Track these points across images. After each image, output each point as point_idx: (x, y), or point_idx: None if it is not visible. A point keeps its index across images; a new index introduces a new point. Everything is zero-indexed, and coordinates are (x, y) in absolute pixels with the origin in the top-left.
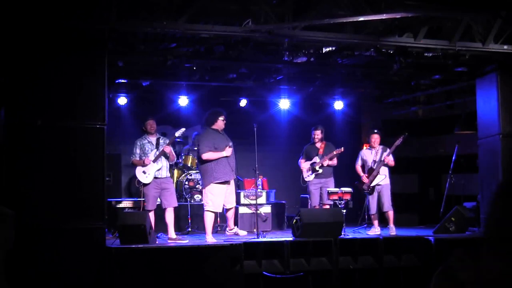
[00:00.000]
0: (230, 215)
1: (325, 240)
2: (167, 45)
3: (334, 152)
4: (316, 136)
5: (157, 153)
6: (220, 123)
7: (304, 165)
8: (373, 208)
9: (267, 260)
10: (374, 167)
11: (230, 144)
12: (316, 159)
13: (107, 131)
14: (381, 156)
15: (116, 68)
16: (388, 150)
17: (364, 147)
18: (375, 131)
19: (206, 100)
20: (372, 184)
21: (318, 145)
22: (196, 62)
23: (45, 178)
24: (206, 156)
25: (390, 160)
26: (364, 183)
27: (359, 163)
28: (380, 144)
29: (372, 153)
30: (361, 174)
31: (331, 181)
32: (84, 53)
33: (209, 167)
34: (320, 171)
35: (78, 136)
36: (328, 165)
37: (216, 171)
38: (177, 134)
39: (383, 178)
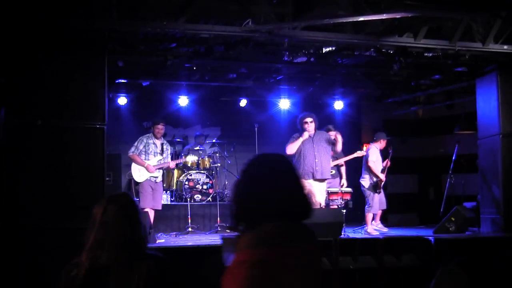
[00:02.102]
0: None
1: (325, 240)
2: (167, 45)
3: (355, 155)
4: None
5: (161, 162)
6: (305, 127)
7: None
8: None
9: None
10: (385, 169)
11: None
12: None
13: (107, 131)
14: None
15: (116, 68)
16: (389, 157)
17: (374, 146)
18: (388, 137)
19: (206, 100)
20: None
21: None
22: (196, 62)
23: (45, 178)
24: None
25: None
26: (383, 181)
27: (375, 160)
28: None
29: (380, 154)
30: (380, 174)
31: (337, 181)
32: (84, 53)
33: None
34: (333, 172)
35: (78, 136)
36: (336, 165)
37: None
38: (189, 159)
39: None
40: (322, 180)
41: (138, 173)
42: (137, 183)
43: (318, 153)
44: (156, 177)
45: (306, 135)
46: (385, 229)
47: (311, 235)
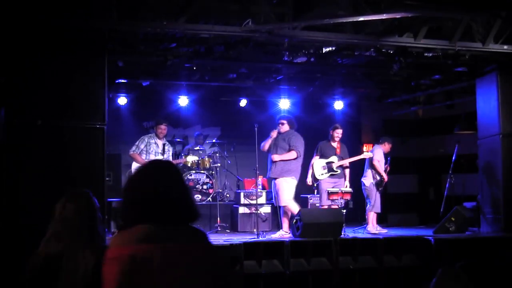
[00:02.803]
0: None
1: (325, 240)
2: (167, 45)
3: (362, 156)
4: (337, 135)
5: None
6: (278, 126)
7: (319, 162)
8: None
9: (267, 260)
10: (385, 171)
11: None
12: (334, 159)
13: (107, 131)
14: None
15: (116, 68)
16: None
17: (380, 148)
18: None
19: (206, 100)
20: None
21: (335, 144)
22: (196, 62)
23: (45, 178)
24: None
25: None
26: (384, 181)
27: (379, 160)
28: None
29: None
30: (383, 173)
31: (342, 181)
32: (84, 53)
33: None
34: (338, 171)
35: (78, 136)
36: (341, 166)
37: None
38: (189, 160)
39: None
40: (275, 179)
41: None
42: None
43: (272, 153)
44: None
45: (274, 134)
46: (384, 230)
47: (194, 237)
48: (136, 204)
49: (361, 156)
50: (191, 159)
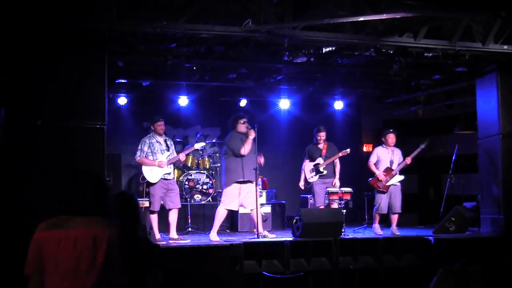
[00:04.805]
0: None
1: (325, 240)
2: (167, 45)
3: (340, 154)
4: (321, 138)
5: (171, 157)
6: (241, 127)
7: (308, 166)
8: (386, 208)
9: (267, 260)
10: (394, 167)
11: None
12: (320, 161)
13: (107, 131)
14: (401, 157)
15: (116, 68)
16: (412, 154)
17: (381, 146)
18: (391, 130)
19: (206, 100)
20: (389, 184)
21: (321, 145)
22: (196, 62)
23: (44, 178)
24: (243, 151)
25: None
26: (381, 181)
27: (373, 161)
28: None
29: (389, 152)
30: (376, 171)
31: (333, 179)
32: (84, 52)
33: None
34: (325, 172)
35: (78, 136)
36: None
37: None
38: (197, 146)
39: (401, 179)
40: (251, 182)
41: (151, 174)
42: (149, 184)
43: (255, 155)
44: (169, 173)
45: (253, 134)
46: (380, 232)
47: (99, 225)
48: (60, 200)
49: (339, 155)
50: (199, 145)
